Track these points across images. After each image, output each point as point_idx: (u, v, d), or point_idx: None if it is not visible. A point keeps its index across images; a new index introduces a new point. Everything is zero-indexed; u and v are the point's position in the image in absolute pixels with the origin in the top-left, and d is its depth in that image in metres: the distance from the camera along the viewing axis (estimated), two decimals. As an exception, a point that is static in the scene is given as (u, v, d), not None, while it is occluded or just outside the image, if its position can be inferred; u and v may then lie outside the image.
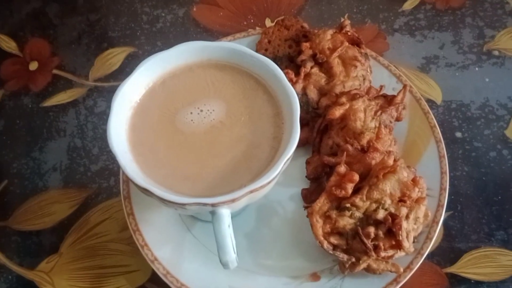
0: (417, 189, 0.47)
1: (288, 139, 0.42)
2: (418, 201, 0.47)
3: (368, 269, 0.47)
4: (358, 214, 0.46)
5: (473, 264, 0.53)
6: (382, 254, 0.45)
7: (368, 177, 0.47)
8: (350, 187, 0.46)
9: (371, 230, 0.45)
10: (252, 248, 0.51)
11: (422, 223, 0.48)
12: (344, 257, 0.46)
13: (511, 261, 0.53)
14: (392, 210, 0.46)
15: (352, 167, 0.47)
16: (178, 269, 0.49)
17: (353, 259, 0.46)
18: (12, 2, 0.77)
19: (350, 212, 0.46)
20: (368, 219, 0.46)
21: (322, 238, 0.46)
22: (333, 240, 0.46)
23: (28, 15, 0.76)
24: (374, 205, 0.46)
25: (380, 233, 0.46)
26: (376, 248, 0.45)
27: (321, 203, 0.47)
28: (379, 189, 0.45)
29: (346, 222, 0.46)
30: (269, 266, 0.50)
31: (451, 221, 0.56)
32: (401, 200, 0.46)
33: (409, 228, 0.47)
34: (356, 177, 0.46)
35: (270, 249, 0.52)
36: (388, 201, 0.46)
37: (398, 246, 0.45)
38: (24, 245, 0.55)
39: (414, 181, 0.47)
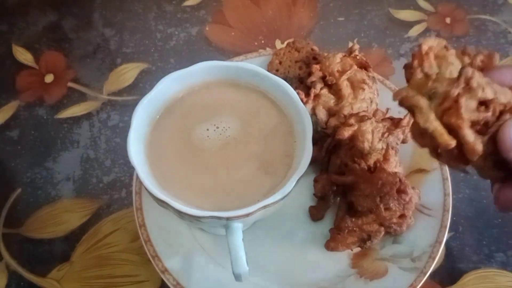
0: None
1: (301, 157, 0.44)
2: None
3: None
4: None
5: (473, 284, 0.55)
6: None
7: None
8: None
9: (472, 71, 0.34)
10: (259, 262, 0.52)
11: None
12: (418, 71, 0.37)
13: (510, 282, 0.55)
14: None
15: (360, 186, 0.49)
16: (187, 280, 0.50)
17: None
18: (28, 15, 0.79)
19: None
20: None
21: (425, 46, 0.37)
22: (432, 57, 0.37)
23: (44, 28, 0.78)
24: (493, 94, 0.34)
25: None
26: None
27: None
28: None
29: (456, 64, 0.37)
30: (276, 280, 0.52)
31: (453, 242, 0.57)
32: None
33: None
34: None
35: (276, 263, 0.53)
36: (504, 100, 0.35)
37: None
38: (36, 253, 0.56)
39: None
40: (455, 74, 0.36)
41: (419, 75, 0.37)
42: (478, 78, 0.34)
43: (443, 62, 0.37)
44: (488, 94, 0.34)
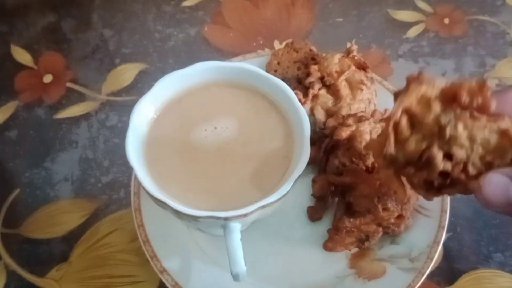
0: None
1: (298, 158, 0.44)
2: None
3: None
4: (449, 131, 0.35)
5: (471, 285, 0.55)
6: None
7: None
8: (475, 107, 0.35)
9: (438, 156, 0.35)
10: (258, 262, 0.52)
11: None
12: (390, 145, 0.37)
13: (508, 282, 0.55)
14: (471, 165, 0.35)
15: (358, 186, 0.49)
16: (186, 280, 0.50)
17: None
18: (28, 16, 0.79)
19: (445, 121, 0.36)
20: (448, 143, 0.36)
21: (401, 110, 0.37)
22: (403, 120, 0.37)
23: (43, 29, 0.78)
24: (466, 142, 0.35)
25: (439, 164, 0.36)
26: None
27: (440, 88, 0.37)
28: (486, 140, 0.35)
29: (432, 123, 0.36)
30: (274, 280, 0.52)
31: (451, 242, 0.57)
32: (486, 165, 0.36)
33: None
34: (491, 105, 0.35)
35: (274, 263, 0.53)
36: (479, 153, 0.35)
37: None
38: (35, 253, 0.56)
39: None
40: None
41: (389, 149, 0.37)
42: (439, 160, 0.35)
43: (418, 126, 0.36)
44: (448, 167, 0.35)
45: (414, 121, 0.37)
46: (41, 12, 0.80)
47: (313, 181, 0.56)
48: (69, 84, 0.71)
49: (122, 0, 0.81)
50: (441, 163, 0.35)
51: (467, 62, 0.74)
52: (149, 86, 0.47)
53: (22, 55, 0.74)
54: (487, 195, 0.34)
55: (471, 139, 0.35)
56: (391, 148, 0.37)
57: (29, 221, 0.58)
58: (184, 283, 0.50)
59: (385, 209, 0.48)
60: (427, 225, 0.53)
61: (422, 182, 0.37)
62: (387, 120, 0.38)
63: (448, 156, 0.36)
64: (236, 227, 0.42)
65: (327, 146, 0.56)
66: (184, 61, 0.73)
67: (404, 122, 0.37)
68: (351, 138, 0.53)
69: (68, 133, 0.66)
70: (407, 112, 0.37)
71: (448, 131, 0.35)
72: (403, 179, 0.39)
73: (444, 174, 0.36)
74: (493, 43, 0.76)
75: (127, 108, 0.68)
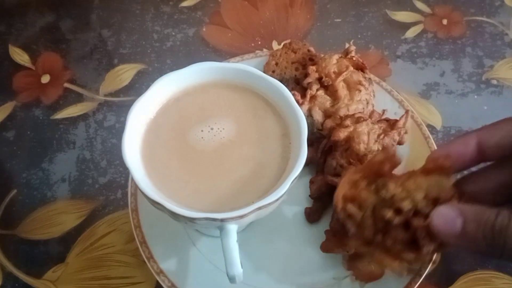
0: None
1: (296, 159, 0.43)
2: None
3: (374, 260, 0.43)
4: (385, 194, 0.41)
5: (469, 287, 0.55)
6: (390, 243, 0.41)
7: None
8: (389, 169, 0.42)
9: (389, 213, 0.40)
10: (255, 264, 0.52)
11: None
12: (352, 228, 0.42)
13: (506, 284, 0.55)
14: (419, 207, 0.39)
15: None
16: (182, 282, 0.50)
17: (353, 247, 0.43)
18: (26, 16, 0.79)
19: (378, 189, 0.41)
20: (392, 204, 0.41)
21: (340, 200, 0.42)
22: (350, 207, 0.42)
23: (41, 29, 0.78)
24: (404, 194, 0.40)
25: (396, 220, 0.40)
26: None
27: (358, 170, 0.43)
28: (417, 185, 0.40)
29: (369, 196, 0.42)
30: (271, 282, 0.52)
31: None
32: (434, 202, 0.40)
33: None
34: (399, 162, 0.42)
35: (272, 265, 0.53)
36: (420, 196, 0.40)
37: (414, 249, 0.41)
38: (32, 254, 0.56)
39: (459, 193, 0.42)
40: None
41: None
42: (390, 214, 0.39)
43: (362, 205, 0.42)
44: (402, 219, 0.39)
45: (359, 202, 0.42)
46: (40, 12, 0.80)
47: (311, 182, 0.56)
48: (67, 85, 0.71)
49: (120, 0, 0.81)
50: (394, 217, 0.39)
51: (465, 63, 0.74)
52: (147, 87, 0.47)
53: (20, 55, 0.74)
54: (437, 227, 0.36)
55: (407, 190, 0.40)
56: (353, 229, 0.42)
57: (26, 222, 0.58)
58: (180, 284, 0.50)
59: None
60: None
61: (400, 248, 0.40)
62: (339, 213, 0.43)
63: (398, 211, 0.40)
64: (232, 229, 0.42)
65: (325, 147, 0.56)
66: (182, 61, 0.73)
67: (352, 208, 0.42)
68: (348, 139, 0.53)
69: (65, 134, 0.66)
70: (346, 198, 0.42)
71: (384, 194, 0.40)
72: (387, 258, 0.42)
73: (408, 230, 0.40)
74: (491, 44, 0.76)
75: (125, 109, 0.68)
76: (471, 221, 0.35)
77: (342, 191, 0.43)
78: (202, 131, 0.47)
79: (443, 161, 0.41)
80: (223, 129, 0.47)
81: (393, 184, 0.41)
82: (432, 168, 0.41)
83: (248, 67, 0.50)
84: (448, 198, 0.39)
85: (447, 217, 0.36)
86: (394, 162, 0.42)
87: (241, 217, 0.41)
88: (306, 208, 0.55)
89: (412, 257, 0.40)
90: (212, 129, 0.47)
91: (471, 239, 0.35)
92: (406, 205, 0.39)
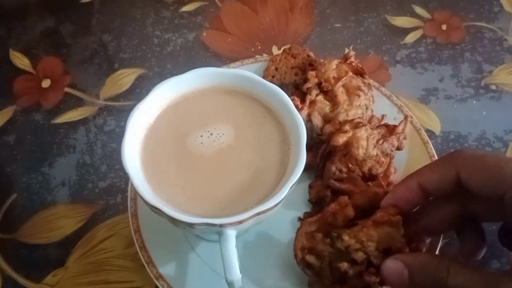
0: (407, 249, 0.45)
1: (295, 165, 0.44)
2: None
3: None
4: (340, 245, 0.45)
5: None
6: None
7: (366, 219, 0.46)
8: (342, 220, 0.46)
9: (344, 265, 0.44)
10: (253, 269, 0.52)
11: None
12: (312, 278, 0.47)
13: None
14: (372, 258, 0.44)
15: (354, 196, 0.49)
16: (181, 286, 0.50)
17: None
18: (26, 20, 0.80)
19: (333, 241, 0.45)
20: (347, 254, 0.45)
21: (298, 251, 0.46)
22: (309, 258, 0.46)
23: (42, 33, 0.78)
24: (357, 245, 0.44)
25: (351, 272, 0.44)
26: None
27: (313, 222, 0.47)
28: (369, 236, 0.44)
29: (326, 248, 0.45)
30: (270, 287, 0.52)
31: (447, 248, 0.57)
32: (385, 252, 0.44)
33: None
34: (351, 214, 0.46)
35: (270, 270, 0.53)
36: (372, 247, 0.44)
37: None
38: (31, 258, 0.56)
39: (409, 243, 0.45)
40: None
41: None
42: (346, 267, 0.44)
43: (320, 255, 0.46)
44: (357, 270, 0.44)
45: (316, 253, 0.46)
46: (40, 16, 0.80)
47: (310, 186, 0.56)
48: (67, 89, 0.71)
49: (121, 5, 0.81)
50: (349, 268, 0.43)
51: (464, 68, 0.74)
52: (148, 91, 0.48)
53: (20, 60, 0.74)
54: (387, 278, 0.41)
55: (360, 241, 0.44)
56: (313, 278, 0.46)
57: (26, 226, 0.58)
58: (180, 289, 0.50)
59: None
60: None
61: None
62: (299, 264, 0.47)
63: (353, 262, 0.44)
64: (231, 234, 0.42)
65: (324, 152, 0.56)
66: (183, 66, 0.73)
67: (310, 258, 0.45)
68: (347, 144, 0.53)
69: (65, 138, 0.66)
70: (304, 249, 0.46)
71: (339, 245, 0.44)
72: None
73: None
74: (490, 49, 0.76)
75: (125, 113, 0.68)
76: (415, 273, 0.39)
77: (299, 243, 0.46)
78: (201, 136, 0.47)
79: (391, 215, 0.44)
80: (223, 134, 0.47)
81: (346, 235, 0.44)
82: (382, 221, 0.44)
83: (247, 73, 0.50)
84: (399, 247, 0.43)
85: (394, 270, 0.40)
86: (347, 213, 0.46)
87: (240, 222, 0.41)
88: (305, 213, 0.55)
89: None
90: (211, 134, 0.47)
91: (419, 287, 0.39)
92: (360, 257, 0.43)
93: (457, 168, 0.41)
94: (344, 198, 0.46)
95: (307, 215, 0.55)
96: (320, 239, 0.46)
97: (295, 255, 0.47)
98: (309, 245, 0.46)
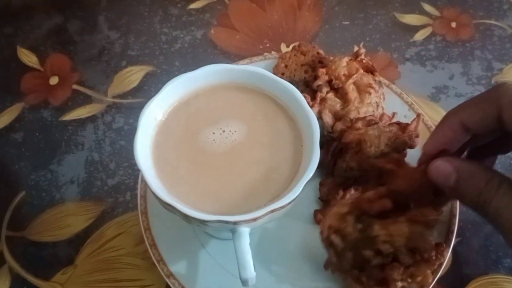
0: (434, 252, 0.46)
1: (308, 162, 0.43)
2: (427, 261, 0.46)
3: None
4: (368, 233, 0.44)
5: (480, 291, 0.55)
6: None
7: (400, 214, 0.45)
8: (377, 210, 0.44)
9: (369, 253, 0.44)
10: (264, 266, 0.52)
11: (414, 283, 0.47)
12: (332, 258, 0.46)
13: (518, 289, 0.54)
14: (399, 253, 0.44)
15: (396, 179, 0.45)
16: (192, 285, 0.50)
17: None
18: (33, 18, 0.79)
19: (364, 227, 0.44)
20: (373, 244, 0.45)
21: (325, 228, 0.45)
22: (334, 238, 0.45)
23: (49, 30, 0.78)
24: (386, 237, 0.44)
25: (374, 261, 0.44)
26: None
27: (346, 204, 0.46)
28: (400, 232, 0.44)
29: (354, 232, 0.44)
30: (281, 284, 0.51)
31: (460, 247, 0.57)
32: (412, 251, 0.45)
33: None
34: (388, 206, 0.44)
35: (282, 268, 0.52)
36: (401, 243, 0.44)
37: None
38: (40, 256, 0.56)
39: (437, 246, 0.47)
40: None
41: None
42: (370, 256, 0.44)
43: (346, 237, 0.44)
44: (380, 261, 0.44)
45: (343, 234, 0.44)
46: (47, 14, 0.80)
47: (321, 184, 0.55)
48: (75, 86, 0.71)
49: (128, 2, 0.81)
50: (373, 257, 0.43)
51: (474, 66, 0.73)
52: (155, 89, 0.47)
53: (28, 57, 0.74)
54: (433, 177, 0.39)
55: (390, 234, 0.43)
56: (332, 258, 0.45)
57: (34, 224, 0.58)
58: (191, 287, 0.49)
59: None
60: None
61: (372, 285, 0.45)
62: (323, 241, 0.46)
63: (378, 252, 0.43)
64: (245, 232, 0.41)
65: (335, 149, 0.55)
66: (191, 63, 0.73)
67: (335, 239, 0.44)
68: (359, 142, 0.53)
69: (74, 135, 0.65)
70: (331, 228, 0.45)
71: (368, 233, 0.43)
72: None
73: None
74: (500, 47, 0.76)
75: (133, 111, 0.68)
76: (463, 180, 0.37)
77: (328, 222, 0.45)
78: (213, 133, 0.47)
79: (427, 216, 0.43)
80: (235, 131, 0.47)
81: (378, 225, 0.43)
82: (417, 220, 0.43)
83: (259, 69, 0.49)
84: (427, 249, 0.44)
85: (443, 171, 0.38)
86: (384, 204, 0.44)
87: (254, 220, 0.40)
88: (315, 210, 0.55)
89: None
90: (223, 131, 0.47)
91: (460, 196, 0.37)
92: (387, 249, 0.43)
93: (500, 106, 0.37)
94: (383, 188, 0.45)
95: (318, 213, 0.55)
96: (351, 222, 0.44)
97: (321, 232, 0.46)
98: (337, 225, 0.45)
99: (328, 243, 0.45)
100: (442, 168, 0.38)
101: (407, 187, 0.45)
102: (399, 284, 0.45)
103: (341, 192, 0.52)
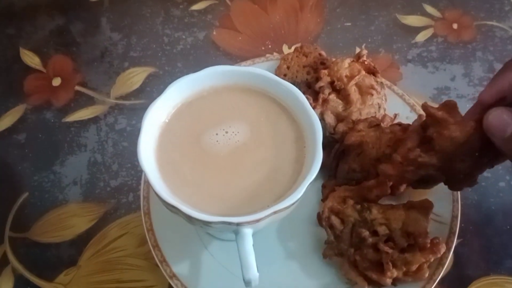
0: (429, 240, 0.47)
1: (311, 163, 0.43)
2: (422, 248, 0.47)
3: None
4: (367, 216, 0.48)
5: (482, 292, 0.55)
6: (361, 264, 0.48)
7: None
8: (376, 195, 0.48)
9: (365, 232, 0.47)
10: (267, 267, 0.52)
11: (410, 274, 0.48)
12: (330, 238, 0.49)
13: (519, 289, 0.55)
14: (394, 235, 0.47)
15: (447, 127, 0.44)
16: (195, 285, 0.50)
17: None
18: (36, 19, 0.80)
19: (362, 210, 0.48)
20: (371, 226, 0.48)
21: (326, 209, 0.49)
22: (334, 219, 0.49)
23: (52, 32, 0.78)
24: (383, 220, 0.47)
25: (370, 240, 0.47)
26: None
27: (348, 189, 0.50)
28: (397, 216, 0.47)
29: (353, 214, 0.48)
30: (282, 285, 0.51)
31: (461, 248, 0.57)
32: (408, 235, 0.47)
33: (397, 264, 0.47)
34: (387, 191, 0.48)
35: (283, 268, 0.52)
36: (397, 226, 0.47)
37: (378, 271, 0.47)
38: (43, 257, 0.56)
39: (432, 243, 0.47)
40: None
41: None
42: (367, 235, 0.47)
43: (345, 219, 0.49)
44: (375, 240, 0.47)
45: (342, 217, 0.49)
46: (50, 15, 0.80)
47: (323, 186, 0.55)
48: (77, 88, 0.71)
49: (130, 3, 0.81)
50: (369, 236, 0.47)
51: (476, 67, 0.74)
52: (158, 90, 0.48)
53: (31, 58, 0.74)
54: (489, 125, 0.38)
55: (387, 218, 0.47)
56: (331, 239, 0.49)
57: (37, 225, 0.58)
58: (194, 288, 0.50)
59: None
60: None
61: (366, 266, 0.48)
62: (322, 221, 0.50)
63: (374, 234, 0.47)
64: (248, 233, 0.42)
65: (337, 151, 0.55)
66: (193, 65, 0.73)
67: (335, 220, 0.49)
68: (361, 144, 0.53)
69: (76, 137, 0.66)
70: (332, 210, 0.49)
71: (367, 216, 0.48)
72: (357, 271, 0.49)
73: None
74: (501, 48, 0.76)
75: (136, 112, 0.68)
76: None
77: (330, 203, 0.49)
78: (216, 134, 0.47)
79: (425, 201, 0.48)
80: (238, 132, 0.47)
81: (376, 209, 0.48)
82: (414, 205, 0.48)
83: (261, 71, 0.50)
84: (421, 234, 0.46)
85: (499, 120, 0.37)
86: (383, 190, 0.48)
87: (257, 221, 0.40)
88: (318, 212, 0.55)
89: (375, 277, 0.47)
90: (226, 132, 0.47)
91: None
92: (383, 230, 0.47)
93: None
94: (383, 178, 0.48)
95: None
96: (351, 204, 0.49)
97: (322, 212, 0.49)
98: (338, 207, 0.49)
99: (327, 224, 0.49)
100: (499, 116, 0.37)
101: (456, 142, 0.43)
102: (394, 272, 0.46)
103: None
